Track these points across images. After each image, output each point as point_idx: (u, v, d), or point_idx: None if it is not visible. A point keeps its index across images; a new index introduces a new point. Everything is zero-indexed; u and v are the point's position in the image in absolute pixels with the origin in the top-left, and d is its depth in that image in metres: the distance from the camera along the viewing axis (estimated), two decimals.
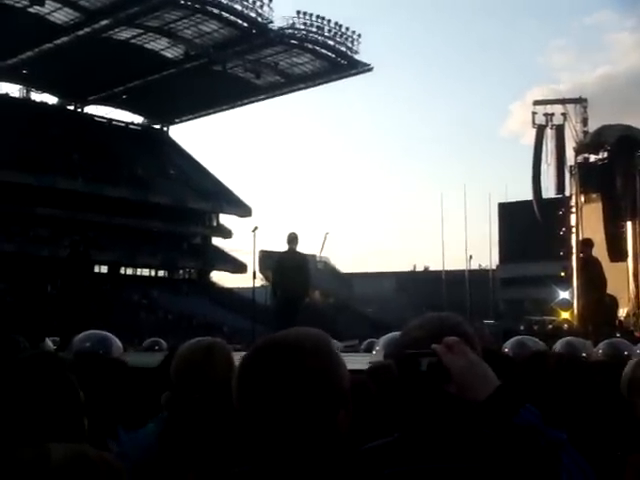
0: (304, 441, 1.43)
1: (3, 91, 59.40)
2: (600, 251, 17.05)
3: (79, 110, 64.39)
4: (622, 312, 19.06)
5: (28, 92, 61.08)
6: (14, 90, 60.21)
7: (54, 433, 1.79)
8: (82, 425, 1.90)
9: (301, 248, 12.75)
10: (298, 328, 1.56)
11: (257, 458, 1.47)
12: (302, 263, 12.67)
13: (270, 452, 1.44)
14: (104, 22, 49.21)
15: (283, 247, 12.67)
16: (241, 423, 1.47)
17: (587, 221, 22.69)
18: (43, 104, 61.76)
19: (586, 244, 14.50)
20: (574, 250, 21.63)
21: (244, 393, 1.47)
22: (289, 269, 12.18)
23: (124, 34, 52.52)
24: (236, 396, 1.48)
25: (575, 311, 20.46)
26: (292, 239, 12.34)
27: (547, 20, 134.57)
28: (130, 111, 67.00)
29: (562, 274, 26.25)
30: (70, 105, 63.83)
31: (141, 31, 52.38)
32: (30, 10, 47.55)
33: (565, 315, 24.35)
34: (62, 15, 49.40)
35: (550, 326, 24.22)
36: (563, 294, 26.79)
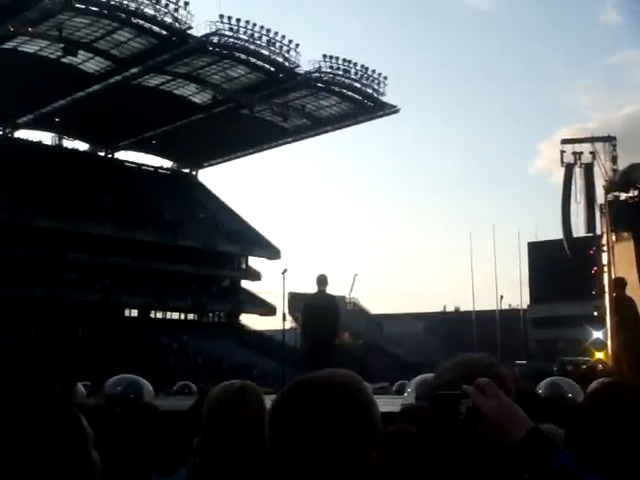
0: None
1: (36, 139, 60.72)
2: (634, 290, 16.81)
3: (109, 156, 65.50)
4: None
5: (60, 139, 62.30)
6: (47, 138, 61.57)
7: None
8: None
9: (330, 289, 12.72)
10: (330, 369, 1.55)
11: None
12: (332, 304, 12.60)
13: None
14: (134, 70, 50.26)
15: (312, 289, 12.63)
16: (273, 465, 1.46)
17: (619, 260, 22.40)
18: (74, 151, 62.95)
19: (619, 284, 14.33)
20: (606, 289, 21.33)
21: (276, 434, 1.45)
22: (319, 310, 12.13)
23: (153, 81, 53.54)
24: (268, 437, 1.47)
25: (609, 351, 20.10)
26: (322, 281, 12.28)
27: (571, 61, 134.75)
28: (159, 156, 68.00)
29: (595, 314, 25.86)
30: (101, 151, 65.00)
31: (170, 77, 53.36)
32: (63, 60, 48.76)
33: (599, 355, 23.91)
34: (93, 64, 50.58)
35: (584, 367, 23.80)
36: (596, 334, 26.34)
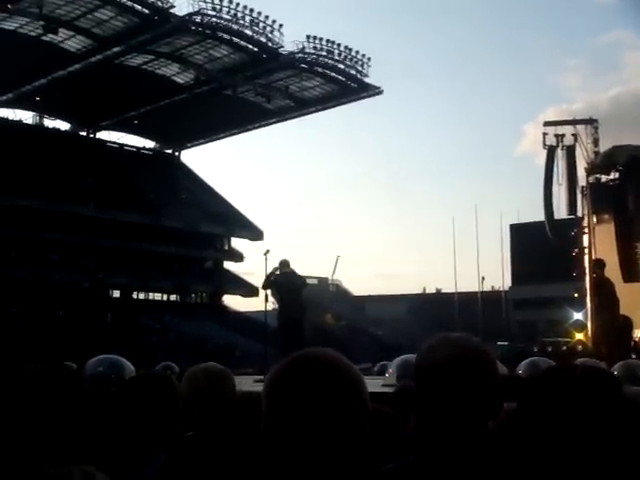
0: (338, 453, 1.43)
1: (17, 118, 60.08)
2: (614, 272, 16.95)
3: (91, 136, 64.96)
4: (637, 333, 18.92)
5: (41, 119, 61.73)
6: (27, 117, 60.93)
7: (75, 455, 1.78)
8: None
9: (313, 271, 13.23)
10: (316, 348, 1.56)
11: (284, 470, 1.45)
12: (296, 284, 13.03)
13: (301, 463, 1.43)
14: (116, 49, 49.74)
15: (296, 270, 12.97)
16: (266, 441, 1.46)
17: (600, 242, 22.59)
18: (56, 130, 62.35)
19: (598, 265, 14.45)
20: (587, 271, 21.51)
21: (275, 409, 1.46)
22: (285, 290, 12.59)
23: (135, 60, 53.06)
24: (265, 412, 1.48)
25: (589, 332, 20.31)
26: (284, 264, 12.79)
27: (561, 39, 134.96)
28: (142, 136, 67.53)
29: (575, 295, 26.10)
30: (82, 131, 64.41)
31: (152, 57, 52.89)
32: (44, 38, 48.18)
33: (579, 336, 24.17)
34: (75, 43, 50.01)
35: (564, 347, 24.08)
36: (577, 315, 26.63)
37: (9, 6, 43.67)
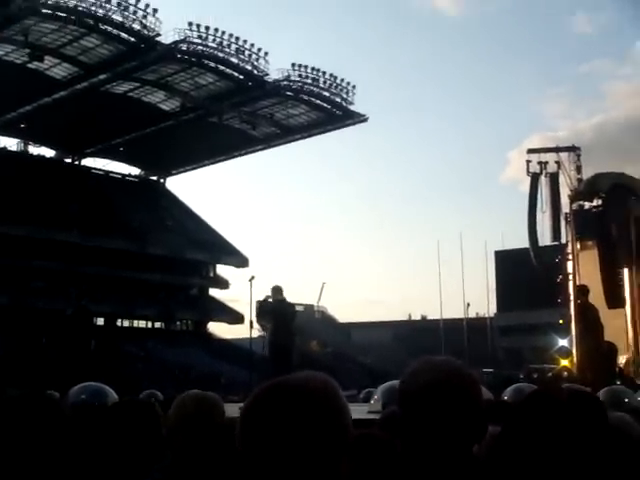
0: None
1: (1, 145, 59.97)
2: (598, 298, 17.01)
3: (76, 163, 64.87)
4: (622, 359, 18.96)
5: (26, 145, 61.61)
6: (12, 144, 60.83)
7: None
8: None
9: (299, 298, 13.28)
10: (305, 372, 1.52)
11: None
12: (287, 311, 13.05)
13: None
14: (102, 76, 49.87)
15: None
16: (243, 468, 1.43)
17: (584, 268, 22.71)
18: (40, 157, 62.27)
19: (582, 291, 14.51)
20: (572, 297, 21.59)
21: (248, 435, 1.42)
22: (275, 317, 12.61)
23: (121, 87, 53.19)
24: (239, 438, 1.44)
25: (574, 359, 20.34)
26: (276, 290, 12.79)
27: (541, 69, 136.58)
28: (127, 163, 67.51)
29: (560, 322, 26.16)
30: (67, 158, 64.31)
31: (138, 84, 53.06)
32: (29, 66, 48.24)
33: (565, 363, 24.17)
34: (61, 70, 50.11)
35: (550, 374, 24.04)
36: (562, 342, 26.64)
37: None
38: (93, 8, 44.16)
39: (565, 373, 21.70)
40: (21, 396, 1.90)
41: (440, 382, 1.66)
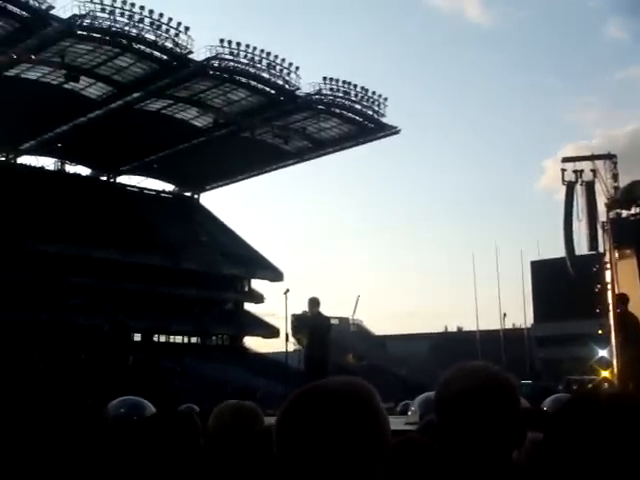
0: None
1: (39, 164, 60.98)
2: (637, 307, 16.74)
3: (112, 180, 65.72)
4: None
5: (62, 165, 62.57)
6: (49, 163, 61.85)
7: None
8: None
9: (334, 311, 13.26)
10: (340, 377, 1.50)
11: None
12: (322, 324, 13.01)
13: None
14: (135, 95, 50.61)
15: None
16: (281, 475, 1.42)
17: (622, 277, 22.35)
18: (77, 175, 63.19)
19: (622, 300, 14.30)
20: (611, 307, 21.28)
21: (284, 441, 1.41)
22: (312, 331, 12.57)
23: (154, 105, 53.85)
24: (276, 444, 1.43)
25: (615, 369, 20.02)
26: (314, 302, 12.74)
27: (575, 77, 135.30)
28: (161, 180, 68.26)
29: (600, 332, 25.76)
30: (103, 176, 65.21)
31: (171, 101, 53.68)
32: (65, 86, 49.08)
33: (605, 374, 23.79)
34: (95, 90, 50.90)
35: (590, 385, 23.66)
36: (602, 352, 26.22)
37: (33, 57, 44.62)
38: (127, 28, 44.89)
39: (605, 384, 21.36)
40: (65, 401, 1.93)
41: (476, 387, 1.64)
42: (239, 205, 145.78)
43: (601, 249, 24.13)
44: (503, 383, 1.68)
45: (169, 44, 46.44)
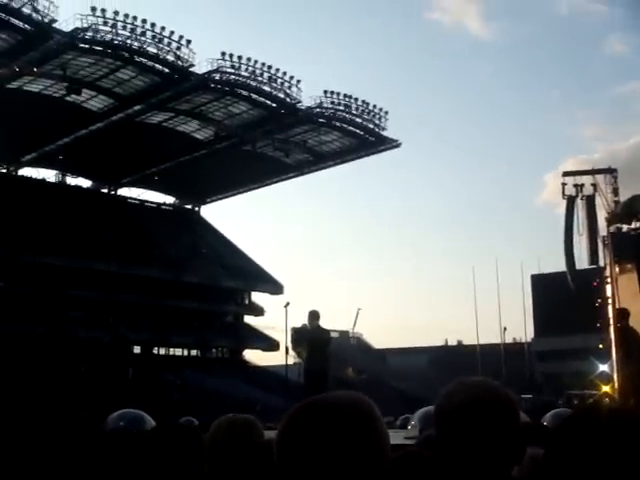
0: None
1: (40, 177, 61.08)
2: (638, 321, 16.72)
3: (112, 193, 65.78)
4: None
5: (64, 177, 62.64)
6: (50, 175, 61.95)
7: None
8: None
9: (334, 325, 13.24)
10: (340, 391, 1.51)
11: None
12: (322, 337, 13.02)
13: None
14: (137, 107, 50.74)
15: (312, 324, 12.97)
16: None
17: (623, 291, 22.33)
18: (78, 188, 63.24)
19: (622, 315, 14.25)
20: (611, 321, 21.24)
21: (285, 454, 1.42)
22: (311, 344, 12.58)
23: (156, 118, 53.99)
24: (277, 457, 1.44)
25: (616, 384, 19.96)
26: (313, 315, 12.74)
27: (575, 91, 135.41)
28: (162, 192, 68.34)
29: (600, 346, 25.71)
30: (104, 188, 65.27)
31: (172, 114, 53.81)
32: (67, 99, 49.23)
33: (606, 389, 23.73)
34: (97, 102, 51.04)
35: (591, 400, 23.59)
36: (602, 367, 26.16)
37: (35, 69, 44.78)
38: (129, 41, 45.06)
39: (606, 399, 21.29)
40: (61, 415, 1.93)
41: (475, 401, 1.64)
42: (240, 218, 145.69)
43: (601, 263, 24.14)
44: (502, 398, 1.68)
45: (170, 57, 46.61)
